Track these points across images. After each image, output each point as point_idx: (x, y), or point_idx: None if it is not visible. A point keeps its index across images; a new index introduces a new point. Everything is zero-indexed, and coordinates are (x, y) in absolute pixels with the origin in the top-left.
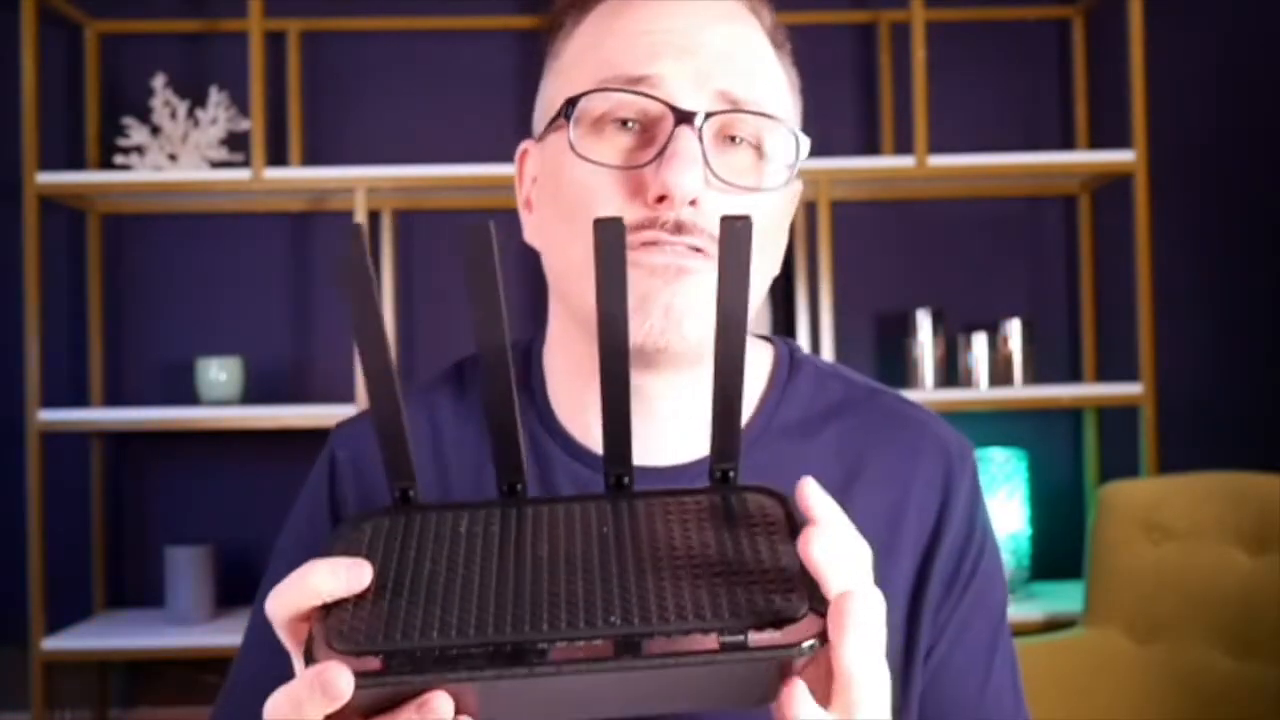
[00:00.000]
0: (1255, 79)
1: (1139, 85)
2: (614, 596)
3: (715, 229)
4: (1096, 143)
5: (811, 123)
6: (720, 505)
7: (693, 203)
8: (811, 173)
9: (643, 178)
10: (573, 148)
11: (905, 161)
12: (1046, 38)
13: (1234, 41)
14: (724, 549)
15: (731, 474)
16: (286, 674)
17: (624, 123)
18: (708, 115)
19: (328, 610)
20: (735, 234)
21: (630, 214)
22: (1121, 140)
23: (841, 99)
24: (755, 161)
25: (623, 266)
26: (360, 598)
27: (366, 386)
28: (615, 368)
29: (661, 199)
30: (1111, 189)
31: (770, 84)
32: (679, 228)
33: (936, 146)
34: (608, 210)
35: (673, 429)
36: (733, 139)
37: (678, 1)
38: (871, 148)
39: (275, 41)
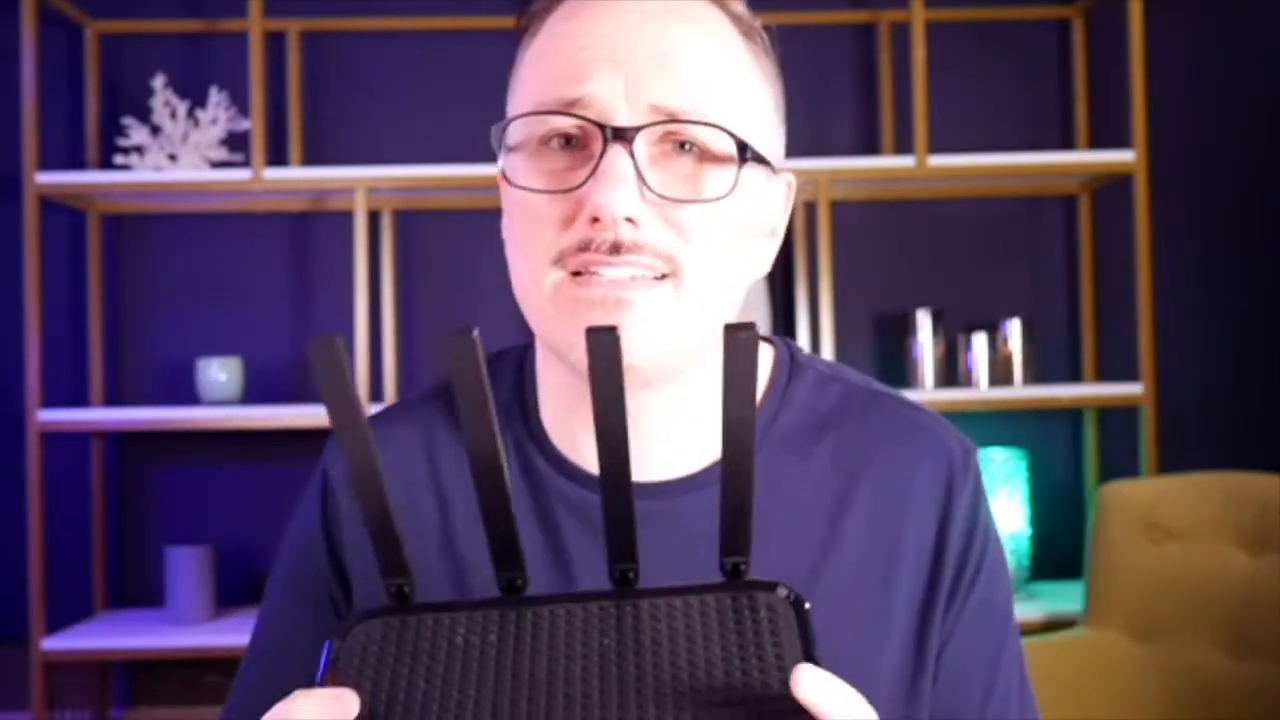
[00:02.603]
0: (1255, 79)
1: (1139, 85)
2: None
3: (659, 246)
4: (1096, 143)
5: (811, 122)
6: (730, 610)
7: (633, 221)
8: (811, 173)
9: (580, 199)
10: (504, 175)
11: (905, 161)
12: (1046, 38)
13: (1234, 41)
14: (730, 670)
15: (742, 567)
16: (280, 698)
17: (566, 140)
18: (639, 129)
19: None
20: (738, 344)
21: (569, 236)
22: (1121, 140)
23: (841, 99)
24: (702, 168)
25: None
26: None
27: (353, 485)
28: (614, 482)
29: (596, 220)
30: (1111, 189)
31: (716, 83)
32: (616, 248)
33: (936, 146)
34: (546, 234)
35: (663, 445)
36: (682, 145)
37: (622, 2)
38: (871, 148)
39: (275, 41)
